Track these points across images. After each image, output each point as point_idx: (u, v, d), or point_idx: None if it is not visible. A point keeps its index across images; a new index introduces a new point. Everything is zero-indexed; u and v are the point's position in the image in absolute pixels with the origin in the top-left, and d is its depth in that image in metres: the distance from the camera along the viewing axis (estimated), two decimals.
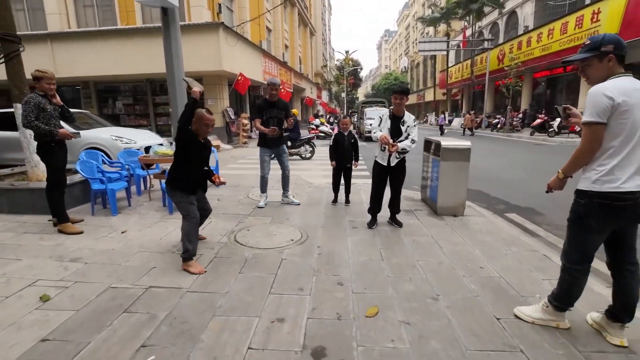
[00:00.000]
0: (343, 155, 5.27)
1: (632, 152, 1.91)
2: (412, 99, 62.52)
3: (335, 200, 5.48)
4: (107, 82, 17.13)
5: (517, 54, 24.30)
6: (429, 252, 3.55)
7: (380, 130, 4.10)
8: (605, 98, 1.86)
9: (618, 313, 2.13)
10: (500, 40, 30.07)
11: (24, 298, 2.65)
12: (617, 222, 2.02)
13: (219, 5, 16.02)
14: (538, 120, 19.04)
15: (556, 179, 2.19)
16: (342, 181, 5.45)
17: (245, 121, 17.08)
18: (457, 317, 2.41)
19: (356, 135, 5.48)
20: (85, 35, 14.77)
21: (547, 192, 2.27)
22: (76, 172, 5.05)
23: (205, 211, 3.48)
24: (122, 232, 4.09)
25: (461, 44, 32.80)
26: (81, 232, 4.03)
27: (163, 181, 5.38)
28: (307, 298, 2.67)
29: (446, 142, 4.69)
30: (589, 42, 2.00)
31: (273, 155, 5.32)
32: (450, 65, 39.03)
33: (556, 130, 17.02)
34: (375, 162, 4.30)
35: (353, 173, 5.53)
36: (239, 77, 14.98)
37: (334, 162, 5.33)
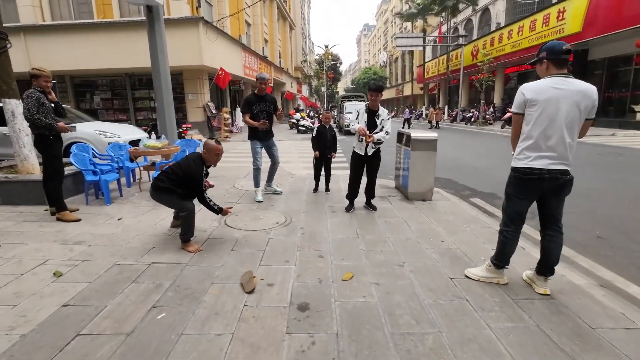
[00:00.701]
0: (325, 146, 5.70)
1: (540, 137, 2.41)
2: (390, 93, 63.56)
3: (316, 189, 5.91)
4: (84, 77, 16.89)
5: (489, 50, 25.31)
6: (398, 230, 4.04)
7: (358, 123, 4.54)
8: (520, 94, 2.45)
9: (542, 269, 2.68)
10: (474, 37, 31.11)
11: (39, 275, 2.96)
12: (528, 192, 2.56)
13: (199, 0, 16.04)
14: (508, 114, 20.03)
15: None
16: (323, 171, 5.88)
17: (227, 115, 17.23)
18: (418, 279, 2.90)
19: (335, 129, 5.93)
20: (61, 29, 14.54)
21: None
22: (68, 164, 5.27)
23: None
24: (119, 219, 4.39)
25: (437, 40, 33.70)
26: (79, 220, 4.31)
27: (152, 173, 5.67)
28: (292, 268, 3.10)
29: (415, 133, 5.19)
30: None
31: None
32: (427, 60, 39.99)
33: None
34: (354, 152, 4.74)
35: (333, 164, 5.97)
36: (220, 72, 15.13)
37: (317, 152, 5.74)
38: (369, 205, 4.90)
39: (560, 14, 18.71)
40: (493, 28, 27.59)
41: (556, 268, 2.68)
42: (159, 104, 6.90)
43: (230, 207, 3.68)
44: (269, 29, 30.30)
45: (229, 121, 18.09)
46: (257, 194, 5.42)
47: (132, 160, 6.06)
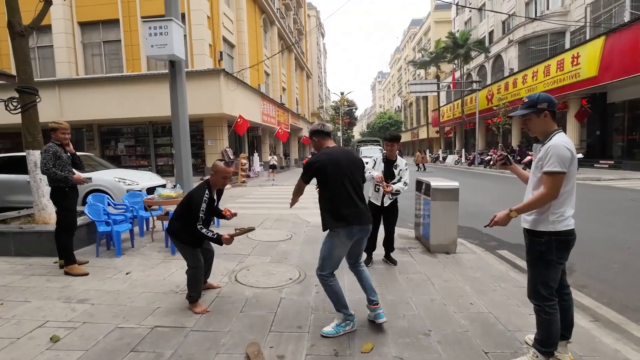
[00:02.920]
0: None
1: (572, 195, 2.27)
2: (406, 136, 64.20)
3: None
4: (110, 125, 17.73)
5: (504, 94, 25.50)
6: (421, 289, 3.71)
7: (375, 172, 4.39)
8: (567, 151, 2.17)
9: (564, 331, 2.41)
10: (488, 82, 31.60)
11: (35, 339, 2.77)
12: (567, 255, 2.33)
13: (220, 53, 17.02)
14: (528, 157, 19.64)
15: (506, 216, 2.35)
16: None
17: (244, 161, 17.52)
18: (447, 352, 2.56)
19: None
20: (91, 82, 15.54)
21: (488, 226, 2.47)
22: (82, 214, 5.26)
23: (208, 253, 3.58)
24: (127, 273, 4.23)
25: (451, 86, 34.36)
26: (87, 274, 4.17)
27: (165, 222, 5.59)
28: (305, 335, 2.80)
29: (435, 182, 4.98)
30: (527, 100, 2.35)
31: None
32: (441, 104, 40.57)
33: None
34: (369, 202, 4.55)
35: None
36: (239, 119, 15.60)
37: None
38: (389, 259, 4.60)
39: (575, 59, 18.86)
40: (506, 74, 28.01)
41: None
42: (177, 152, 7.00)
43: (233, 236, 3.16)
44: (287, 78, 31.68)
45: (246, 166, 18.35)
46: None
47: (146, 209, 6.02)
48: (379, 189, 4.35)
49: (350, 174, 2.80)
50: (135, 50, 16.45)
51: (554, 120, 2.31)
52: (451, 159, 32.47)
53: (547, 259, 2.30)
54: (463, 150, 32.23)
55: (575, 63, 18.82)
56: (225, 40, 18.34)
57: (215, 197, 3.33)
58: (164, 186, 7.44)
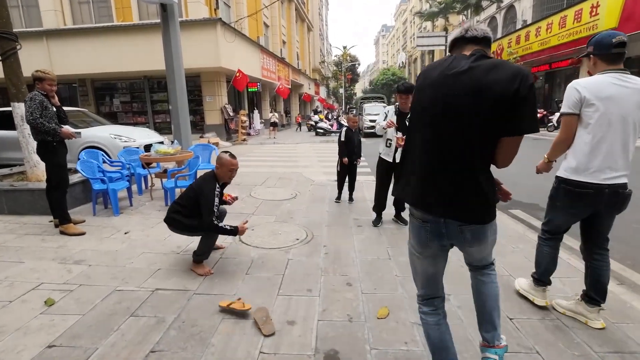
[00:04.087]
0: (353, 152, 5.18)
1: (600, 144, 2.05)
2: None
3: (339, 198, 5.44)
4: (104, 80, 16.99)
5: (515, 48, 24.27)
6: None
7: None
8: (575, 91, 2.07)
9: (594, 295, 2.29)
10: (499, 35, 29.99)
11: (29, 302, 2.61)
12: (581, 207, 2.20)
13: (217, 1, 15.87)
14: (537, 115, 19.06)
15: (542, 162, 2.45)
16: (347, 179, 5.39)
17: (244, 118, 16.99)
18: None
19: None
20: (81, 32, 14.61)
21: (537, 172, 2.58)
22: (76, 171, 4.99)
23: (221, 214, 3.30)
24: (125, 233, 4.04)
25: None
26: (83, 233, 3.98)
27: (164, 180, 5.33)
28: (316, 299, 2.63)
29: None
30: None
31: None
32: None
33: (555, 124, 17.01)
34: (380, 159, 4.25)
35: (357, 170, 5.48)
36: (237, 74, 14.88)
37: (346, 159, 5.18)
38: (399, 219, 4.40)
39: (594, 9, 17.63)
40: (519, 26, 26.49)
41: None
42: (173, 107, 6.58)
43: (246, 222, 3.16)
44: (287, 31, 30.08)
45: (247, 124, 17.85)
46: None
47: (144, 167, 5.74)
48: (390, 143, 4.03)
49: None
50: None
51: (613, 64, 2.06)
52: None
53: (553, 202, 2.34)
54: None
55: (594, 13, 17.62)
56: None
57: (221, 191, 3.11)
58: (161, 143, 7.11)
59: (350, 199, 5.39)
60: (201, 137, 14.18)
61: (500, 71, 1.36)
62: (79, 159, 5.14)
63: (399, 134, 3.88)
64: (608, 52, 2.05)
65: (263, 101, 23.63)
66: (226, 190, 3.27)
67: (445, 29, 36.96)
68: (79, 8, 16.29)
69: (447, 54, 1.66)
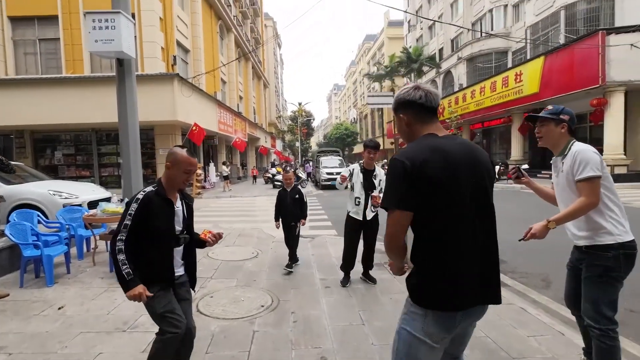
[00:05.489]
0: (286, 214, 4.73)
1: (619, 202, 2.14)
2: (362, 147, 65.36)
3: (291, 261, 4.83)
4: (47, 131, 15.92)
5: (455, 107, 26.78)
6: None
7: (347, 182, 4.07)
8: (596, 155, 2.09)
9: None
10: (440, 96, 33.10)
11: None
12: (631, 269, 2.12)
13: (174, 57, 16.06)
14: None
15: (544, 227, 2.13)
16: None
17: (199, 171, 16.53)
18: None
19: (303, 190, 4.93)
20: (24, 83, 13.88)
21: (523, 240, 2.18)
22: (2, 234, 4.37)
23: (190, 331, 2.18)
24: (59, 308, 3.48)
25: None
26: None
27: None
28: None
29: None
30: (551, 107, 2.29)
31: None
32: None
33: (496, 177, 18.49)
34: (349, 217, 4.17)
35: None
36: (194, 127, 14.70)
37: (278, 223, 4.81)
38: (367, 277, 4.26)
39: (518, 77, 20.23)
40: (456, 89, 29.51)
41: None
42: (125, 161, 6.18)
43: (220, 233, 2.39)
44: (244, 87, 30.91)
45: (202, 177, 17.38)
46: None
47: (87, 227, 5.19)
48: (359, 201, 4.01)
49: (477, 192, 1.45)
50: (77, 50, 14.97)
51: (570, 136, 2.24)
52: None
53: (612, 275, 2.07)
54: None
55: (518, 80, 20.19)
56: (179, 44, 17.38)
57: (177, 205, 2.16)
58: (108, 200, 6.55)
59: (291, 261, 4.71)
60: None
61: None
62: (8, 221, 4.54)
63: (375, 192, 3.89)
64: (573, 127, 2.24)
65: (219, 154, 23.37)
66: (206, 227, 2.63)
67: (392, 90, 40.20)
68: (24, 59, 15.62)
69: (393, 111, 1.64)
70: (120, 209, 4.77)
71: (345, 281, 4.14)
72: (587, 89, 15.60)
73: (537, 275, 4.59)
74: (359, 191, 4.03)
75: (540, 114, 2.28)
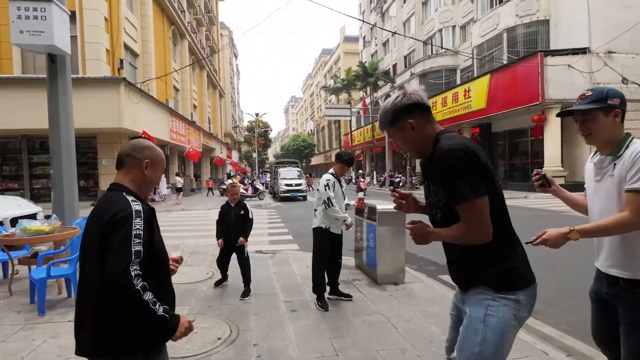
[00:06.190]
0: (230, 230, 4.28)
1: None
2: (319, 159, 65.86)
3: (221, 281, 4.50)
4: None
5: None
6: (385, 336, 3.09)
7: (332, 197, 3.72)
8: None
9: None
10: None
11: None
12: None
13: (121, 61, 14.95)
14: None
15: (562, 236, 1.63)
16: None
17: None
18: None
19: (249, 206, 4.44)
20: None
21: (531, 243, 1.65)
22: None
23: None
24: None
25: (362, 112, 36.33)
26: None
27: (33, 268, 4.03)
28: None
29: (382, 206, 4.54)
30: (590, 93, 1.67)
31: None
32: (353, 129, 42.61)
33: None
34: (325, 232, 3.79)
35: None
36: (142, 136, 13.67)
37: (220, 241, 4.32)
38: (340, 294, 3.96)
39: (467, 93, 21.38)
40: None
41: None
42: (56, 172, 5.38)
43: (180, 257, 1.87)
44: (198, 95, 29.77)
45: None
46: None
47: (4, 250, 4.35)
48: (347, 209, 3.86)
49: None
50: (6, 48, 13.42)
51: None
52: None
53: None
54: (374, 172, 33.91)
55: (467, 96, 21.32)
56: (127, 47, 16.26)
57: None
58: (34, 216, 5.65)
59: (246, 286, 4.20)
60: (92, 204, 12.18)
61: None
62: None
63: (360, 194, 3.66)
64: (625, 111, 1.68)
65: (171, 165, 22.06)
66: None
67: (349, 102, 40.99)
68: None
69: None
70: (46, 226, 4.03)
71: (325, 305, 3.71)
72: (528, 105, 16.76)
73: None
74: (343, 199, 3.96)
75: (579, 106, 1.68)
